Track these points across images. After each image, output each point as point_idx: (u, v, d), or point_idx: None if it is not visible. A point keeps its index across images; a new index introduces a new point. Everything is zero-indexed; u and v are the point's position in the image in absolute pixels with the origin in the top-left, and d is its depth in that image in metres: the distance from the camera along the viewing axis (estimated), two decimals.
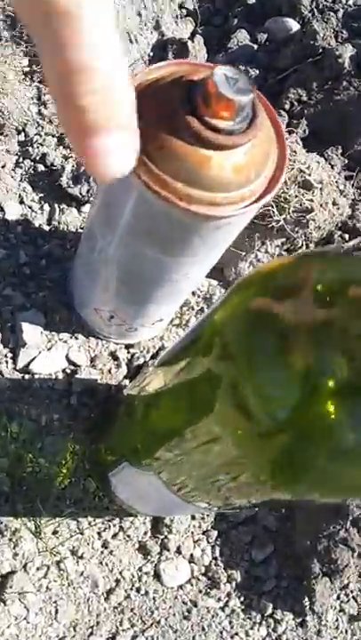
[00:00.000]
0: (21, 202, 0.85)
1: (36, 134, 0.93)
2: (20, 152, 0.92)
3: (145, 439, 0.56)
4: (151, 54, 0.99)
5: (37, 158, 0.91)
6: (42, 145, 0.92)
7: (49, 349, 0.77)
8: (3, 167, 0.86)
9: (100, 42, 0.22)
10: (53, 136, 0.94)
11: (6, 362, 0.76)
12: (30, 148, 0.91)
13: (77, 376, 0.77)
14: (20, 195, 0.86)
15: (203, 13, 1.03)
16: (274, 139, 0.51)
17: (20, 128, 0.93)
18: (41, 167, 0.90)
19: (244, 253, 0.84)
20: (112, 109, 0.23)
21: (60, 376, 0.77)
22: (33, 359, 0.76)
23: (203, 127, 0.44)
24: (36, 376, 0.76)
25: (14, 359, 0.76)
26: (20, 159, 0.91)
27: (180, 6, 1.03)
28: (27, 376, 0.76)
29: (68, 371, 0.78)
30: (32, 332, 0.76)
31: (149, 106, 0.46)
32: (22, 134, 0.93)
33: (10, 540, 0.70)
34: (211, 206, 0.48)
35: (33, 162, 0.91)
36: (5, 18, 0.98)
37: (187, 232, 0.52)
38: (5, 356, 0.76)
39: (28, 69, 0.97)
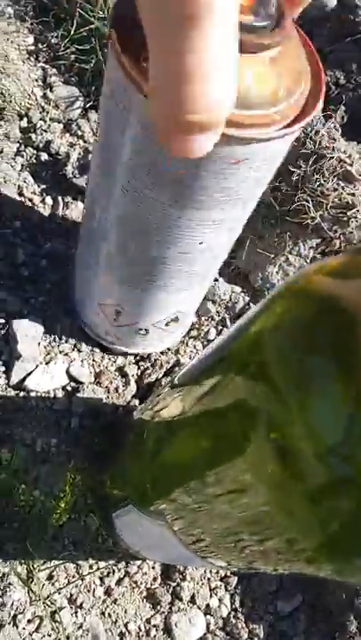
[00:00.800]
0: (20, 194, 0.75)
1: (40, 120, 0.83)
2: (22, 139, 0.82)
3: (155, 478, 0.46)
4: None
5: (41, 146, 0.81)
6: (46, 132, 0.82)
7: (47, 363, 0.67)
8: (1, 152, 0.76)
9: (222, 51, 0.22)
10: (59, 122, 0.84)
11: None
12: (33, 135, 0.81)
13: (79, 394, 0.67)
14: (19, 186, 0.76)
15: None
16: (305, 59, 0.41)
17: (23, 112, 0.83)
18: (44, 156, 0.80)
19: (272, 256, 0.73)
20: (218, 118, 0.25)
21: (60, 394, 0.67)
22: (29, 374, 0.65)
23: None
24: (32, 394, 0.66)
25: (7, 373, 0.66)
26: (22, 147, 0.81)
27: None
28: (21, 393, 0.66)
29: (69, 388, 0.68)
30: (29, 343, 0.66)
31: None
32: (25, 119, 0.83)
33: None
34: (227, 126, 0.38)
35: (36, 150, 0.81)
36: None
37: (196, 167, 0.41)
38: None
39: (32, 48, 0.87)
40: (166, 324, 0.64)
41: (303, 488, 0.27)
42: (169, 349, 0.73)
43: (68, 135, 0.84)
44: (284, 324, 0.29)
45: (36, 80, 0.86)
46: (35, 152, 0.81)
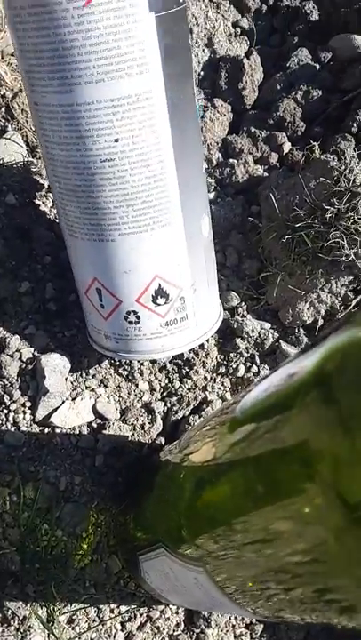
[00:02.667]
0: (52, 229, 0.76)
1: None
2: None
3: (194, 522, 0.44)
4: (202, 73, 0.90)
5: None
6: None
7: (74, 399, 0.66)
8: (33, 188, 0.77)
9: None
10: None
11: (24, 412, 0.65)
12: None
13: (105, 431, 0.66)
14: (50, 221, 0.76)
15: (259, 32, 0.94)
16: None
17: None
18: None
19: (303, 293, 0.72)
20: None
21: (85, 431, 0.66)
22: (55, 410, 0.65)
23: None
24: (58, 430, 0.65)
25: (33, 409, 0.65)
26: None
27: (235, 25, 0.95)
28: (46, 430, 0.65)
29: (95, 425, 0.67)
30: (56, 378, 0.65)
31: None
32: None
33: (17, 630, 0.58)
34: None
35: None
36: None
37: (58, 26, 0.45)
38: (23, 405, 0.65)
39: None
40: (154, 301, 0.59)
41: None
42: (196, 386, 0.72)
43: None
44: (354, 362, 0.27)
45: None
46: None
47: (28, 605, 0.58)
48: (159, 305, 0.60)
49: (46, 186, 0.81)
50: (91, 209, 0.54)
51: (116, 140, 0.48)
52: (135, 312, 0.61)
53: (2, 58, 0.85)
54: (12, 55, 0.87)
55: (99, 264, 0.58)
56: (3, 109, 0.82)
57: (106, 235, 0.55)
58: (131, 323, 0.62)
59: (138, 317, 0.61)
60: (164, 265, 0.57)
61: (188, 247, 0.58)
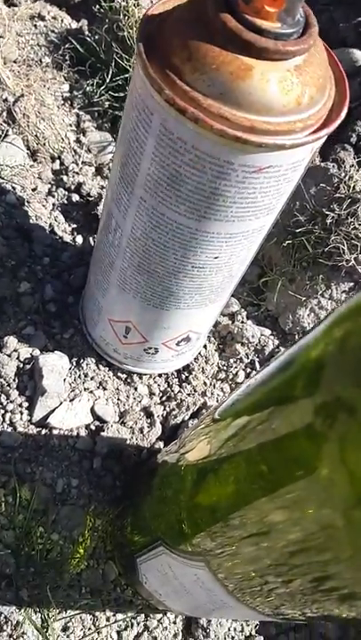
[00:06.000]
0: (52, 231, 0.75)
1: (72, 163, 0.85)
2: (54, 180, 0.83)
3: (195, 516, 0.43)
4: None
5: (72, 187, 0.82)
6: (78, 174, 0.83)
7: (72, 400, 0.65)
8: (34, 190, 0.77)
9: None
10: (91, 165, 0.85)
11: (20, 412, 0.63)
12: (65, 177, 0.82)
13: (103, 434, 0.65)
14: (50, 224, 0.76)
15: None
16: (329, 68, 0.41)
17: (56, 155, 0.85)
18: (75, 197, 0.81)
19: (304, 298, 0.72)
20: None
21: (83, 433, 0.65)
22: (52, 411, 0.64)
23: (242, 27, 0.35)
24: (55, 432, 0.64)
25: (30, 409, 0.64)
26: (53, 188, 0.82)
27: None
28: (43, 431, 0.64)
29: (93, 427, 0.66)
30: (54, 379, 0.64)
31: (177, 10, 0.39)
32: (57, 162, 0.85)
33: (10, 636, 0.56)
34: (249, 132, 0.38)
35: (67, 191, 0.82)
36: (47, 43, 0.92)
37: (218, 176, 0.41)
38: (20, 405, 0.64)
39: (68, 95, 0.89)
40: (177, 344, 0.63)
41: None
42: (195, 391, 0.71)
43: (99, 178, 0.85)
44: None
45: (70, 125, 0.88)
46: (66, 193, 0.81)
47: (22, 610, 0.56)
48: (180, 346, 0.64)
49: (46, 190, 0.81)
50: (159, 289, 0.55)
51: (216, 257, 0.50)
52: (156, 349, 0.64)
53: (4, 64, 0.85)
54: (14, 62, 0.88)
55: (141, 316, 0.60)
56: (4, 114, 0.82)
57: (162, 306, 0.57)
58: (148, 353, 0.65)
59: (156, 351, 0.65)
60: (200, 323, 0.62)
61: (222, 308, 0.63)
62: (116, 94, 0.87)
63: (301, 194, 0.72)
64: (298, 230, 0.70)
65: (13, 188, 0.73)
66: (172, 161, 0.43)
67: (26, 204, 0.74)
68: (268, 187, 0.44)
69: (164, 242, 0.49)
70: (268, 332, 0.75)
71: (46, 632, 0.57)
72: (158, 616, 0.62)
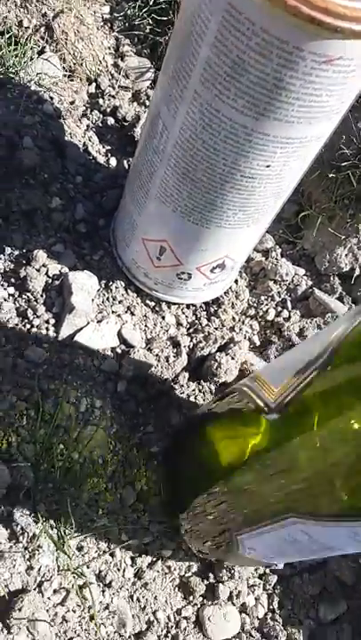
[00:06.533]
0: (86, 150, 0.72)
1: (109, 86, 0.81)
2: (89, 103, 0.79)
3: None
4: None
5: (108, 111, 0.79)
6: (114, 98, 0.80)
7: (99, 322, 0.63)
8: (71, 104, 0.73)
9: None
10: (127, 90, 0.82)
11: (47, 328, 0.61)
12: (101, 100, 0.79)
13: (130, 357, 0.63)
14: (84, 143, 0.73)
15: None
16: None
17: (93, 78, 0.81)
18: (111, 120, 0.78)
19: (343, 237, 0.69)
20: None
21: (110, 355, 0.63)
22: (79, 330, 0.62)
23: None
24: (81, 351, 0.62)
25: (57, 327, 0.62)
26: (88, 110, 0.78)
27: None
28: (69, 349, 0.62)
29: (119, 350, 0.64)
30: (83, 297, 0.62)
31: None
32: (93, 85, 0.81)
33: (25, 548, 0.54)
34: (324, 14, 0.35)
35: (102, 114, 0.79)
36: None
37: (284, 65, 0.39)
38: (47, 321, 0.62)
39: (108, 16, 0.85)
40: (212, 270, 0.61)
41: None
42: (223, 326, 0.69)
43: (135, 104, 0.81)
44: None
45: (109, 48, 0.84)
46: (101, 116, 0.78)
47: (39, 524, 0.55)
48: (214, 273, 0.62)
49: (81, 112, 0.78)
50: (203, 202, 0.52)
51: (268, 166, 0.47)
52: (190, 274, 0.62)
53: None
54: None
55: (178, 235, 0.57)
56: (42, 29, 0.79)
57: (203, 222, 0.54)
58: (180, 279, 0.63)
59: (189, 277, 0.62)
60: (237, 248, 0.59)
61: (262, 234, 0.61)
62: (159, 18, 0.83)
63: (349, 126, 0.69)
64: (343, 164, 0.67)
65: (51, 98, 0.70)
66: (236, 46, 0.40)
67: (62, 118, 0.71)
68: (334, 84, 0.41)
69: (214, 144, 0.47)
70: (302, 271, 0.72)
71: (62, 547, 0.55)
72: (173, 545, 0.61)
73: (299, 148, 0.46)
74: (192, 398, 0.66)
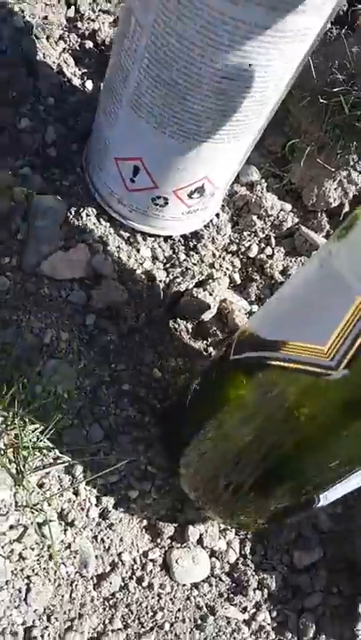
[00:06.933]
0: (60, 72, 0.68)
1: (89, 10, 0.76)
2: (67, 27, 0.74)
3: None
4: None
5: (86, 34, 0.74)
6: (93, 21, 0.75)
7: (67, 249, 0.59)
8: (44, 20, 0.68)
9: None
10: (108, 14, 0.77)
11: (10, 256, 0.57)
12: (79, 23, 0.74)
13: (99, 290, 0.59)
14: (59, 64, 0.68)
15: None
16: None
17: (72, 1, 0.76)
18: (89, 44, 0.73)
19: (333, 170, 0.65)
20: None
21: (77, 286, 0.59)
22: (45, 257, 0.58)
23: None
24: (47, 281, 0.58)
25: (21, 254, 0.58)
26: (65, 34, 0.73)
27: None
28: (34, 278, 0.58)
29: (89, 282, 0.60)
30: (50, 222, 0.58)
31: None
32: (72, 9, 0.76)
33: None
34: None
35: (80, 38, 0.73)
36: None
37: None
38: (10, 248, 0.58)
39: None
40: (189, 195, 0.57)
41: None
42: (202, 261, 0.65)
43: (116, 29, 0.76)
44: None
45: None
46: (79, 40, 0.73)
47: None
48: (192, 198, 0.58)
49: (57, 35, 0.72)
50: (178, 110, 0.48)
51: (250, 65, 0.43)
52: (166, 199, 0.58)
53: None
54: None
55: (153, 152, 0.53)
56: None
57: (179, 135, 0.50)
58: (156, 205, 0.59)
59: (166, 202, 0.58)
60: (217, 170, 0.55)
61: (244, 157, 0.57)
62: None
63: (343, 51, 0.64)
64: (335, 89, 0.62)
65: (22, 11, 0.64)
66: None
67: (34, 35, 0.66)
68: None
69: (190, 37, 0.42)
70: (288, 206, 0.68)
71: (21, 482, 0.52)
72: (142, 484, 0.58)
73: (283, 44, 0.42)
74: (167, 337, 0.62)
